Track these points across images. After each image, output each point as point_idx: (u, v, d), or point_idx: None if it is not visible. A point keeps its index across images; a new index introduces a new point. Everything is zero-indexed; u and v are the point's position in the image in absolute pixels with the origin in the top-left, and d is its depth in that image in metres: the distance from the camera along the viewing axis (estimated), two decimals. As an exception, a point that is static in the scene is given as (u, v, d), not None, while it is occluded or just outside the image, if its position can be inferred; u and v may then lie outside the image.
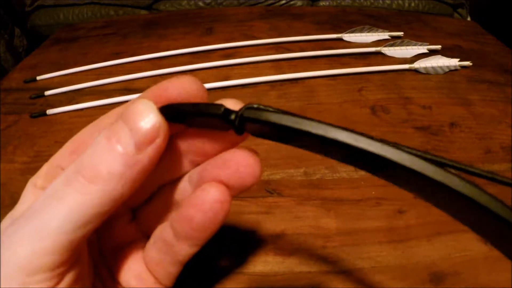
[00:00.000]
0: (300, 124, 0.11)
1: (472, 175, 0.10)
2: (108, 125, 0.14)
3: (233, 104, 0.13)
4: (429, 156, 0.10)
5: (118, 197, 0.12)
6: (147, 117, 0.12)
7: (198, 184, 0.15)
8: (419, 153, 0.10)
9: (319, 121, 0.11)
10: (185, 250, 0.15)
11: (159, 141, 0.13)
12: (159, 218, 0.17)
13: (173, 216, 0.14)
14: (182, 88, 0.14)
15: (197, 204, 0.13)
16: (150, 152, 0.12)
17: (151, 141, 0.12)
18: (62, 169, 0.15)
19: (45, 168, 0.16)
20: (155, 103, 0.13)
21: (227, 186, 0.14)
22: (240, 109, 0.12)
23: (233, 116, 0.12)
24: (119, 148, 0.12)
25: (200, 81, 0.14)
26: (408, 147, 0.10)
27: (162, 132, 0.13)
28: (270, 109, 0.12)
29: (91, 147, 0.13)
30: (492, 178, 0.09)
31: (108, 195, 0.12)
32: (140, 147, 0.12)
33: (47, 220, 0.12)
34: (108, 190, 0.12)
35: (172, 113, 0.13)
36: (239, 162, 0.13)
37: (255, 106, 0.12)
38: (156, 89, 0.14)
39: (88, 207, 0.12)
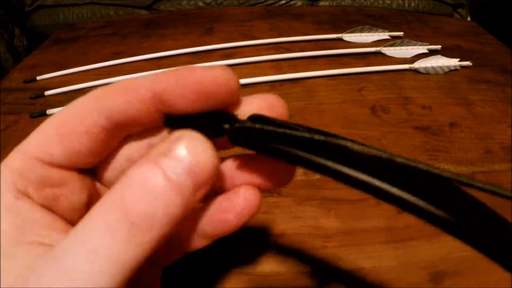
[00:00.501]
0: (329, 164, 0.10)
1: (472, 187, 0.09)
2: (111, 106, 0.12)
3: (270, 99, 0.14)
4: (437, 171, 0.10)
5: (163, 241, 0.11)
6: (207, 159, 0.11)
7: (229, 186, 0.15)
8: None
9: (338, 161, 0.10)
10: (200, 244, 0.15)
11: (211, 183, 0.12)
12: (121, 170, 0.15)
13: (205, 219, 0.14)
14: (219, 86, 0.13)
15: (233, 209, 0.14)
16: (201, 194, 0.11)
17: (207, 183, 0.11)
18: (51, 164, 0.13)
19: (21, 162, 0.12)
20: (183, 87, 0.12)
21: (260, 188, 0.14)
22: (232, 127, 0.12)
23: (227, 127, 0.12)
24: (177, 190, 0.11)
25: (235, 77, 0.13)
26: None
27: (216, 173, 0.12)
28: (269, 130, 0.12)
29: (135, 183, 0.11)
30: (493, 191, 0.09)
31: (159, 242, 0.11)
32: (197, 189, 0.11)
33: (80, 272, 0.10)
34: (162, 237, 0.11)
35: (174, 121, 0.13)
36: (278, 167, 0.14)
37: (249, 126, 0.12)
38: (187, 80, 0.12)
39: (135, 260, 0.10)
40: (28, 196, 0.12)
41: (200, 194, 0.11)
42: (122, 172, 0.13)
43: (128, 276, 0.10)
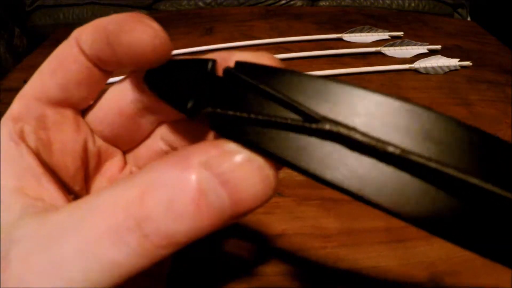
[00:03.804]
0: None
1: None
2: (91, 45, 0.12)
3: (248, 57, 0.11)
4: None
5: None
6: (263, 192, 0.09)
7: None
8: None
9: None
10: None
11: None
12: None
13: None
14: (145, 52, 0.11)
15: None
16: (234, 221, 0.10)
17: (246, 215, 0.10)
18: (47, 101, 0.13)
19: (20, 106, 0.13)
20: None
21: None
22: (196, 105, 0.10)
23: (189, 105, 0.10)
24: (212, 217, 0.09)
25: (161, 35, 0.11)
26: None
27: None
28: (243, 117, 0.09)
29: (161, 190, 0.09)
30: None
31: (167, 256, 0.09)
32: (233, 219, 0.09)
33: (71, 270, 0.09)
34: (170, 253, 0.09)
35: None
36: None
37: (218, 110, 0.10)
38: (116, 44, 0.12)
39: (140, 269, 0.09)
40: (24, 140, 0.12)
41: (234, 221, 0.10)
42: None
43: (125, 280, 0.09)
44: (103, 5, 1.17)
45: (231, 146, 0.09)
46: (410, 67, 0.43)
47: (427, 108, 0.08)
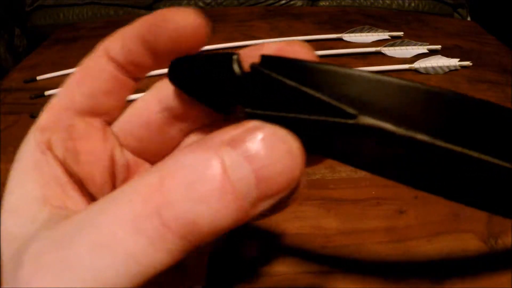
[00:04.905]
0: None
1: None
2: (120, 51, 0.12)
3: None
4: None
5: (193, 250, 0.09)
6: (288, 165, 0.08)
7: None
8: None
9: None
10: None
11: (283, 196, 0.09)
12: None
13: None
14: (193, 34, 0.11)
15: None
16: (263, 207, 0.09)
17: (278, 196, 0.09)
18: (75, 111, 0.13)
19: (48, 117, 0.13)
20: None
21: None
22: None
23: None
24: (235, 198, 0.08)
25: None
26: None
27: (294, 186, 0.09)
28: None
29: (181, 174, 0.08)
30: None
31: (195, 249, 0.09)
32: (262, 200, 0.09)
33: (82, 269, 0.08)
34: (199, 246, 0.09)
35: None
36: None
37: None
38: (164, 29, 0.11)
39: (159, 266, 0.08)
40: (51, 149, 0.12)
41: (262, 207, 0.09)
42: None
43: (146, 279, 0.08)
44: (103, 5, 1.17)
45: (255, 122, 0.09)
46: (410, 67, 0.43)
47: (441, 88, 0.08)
